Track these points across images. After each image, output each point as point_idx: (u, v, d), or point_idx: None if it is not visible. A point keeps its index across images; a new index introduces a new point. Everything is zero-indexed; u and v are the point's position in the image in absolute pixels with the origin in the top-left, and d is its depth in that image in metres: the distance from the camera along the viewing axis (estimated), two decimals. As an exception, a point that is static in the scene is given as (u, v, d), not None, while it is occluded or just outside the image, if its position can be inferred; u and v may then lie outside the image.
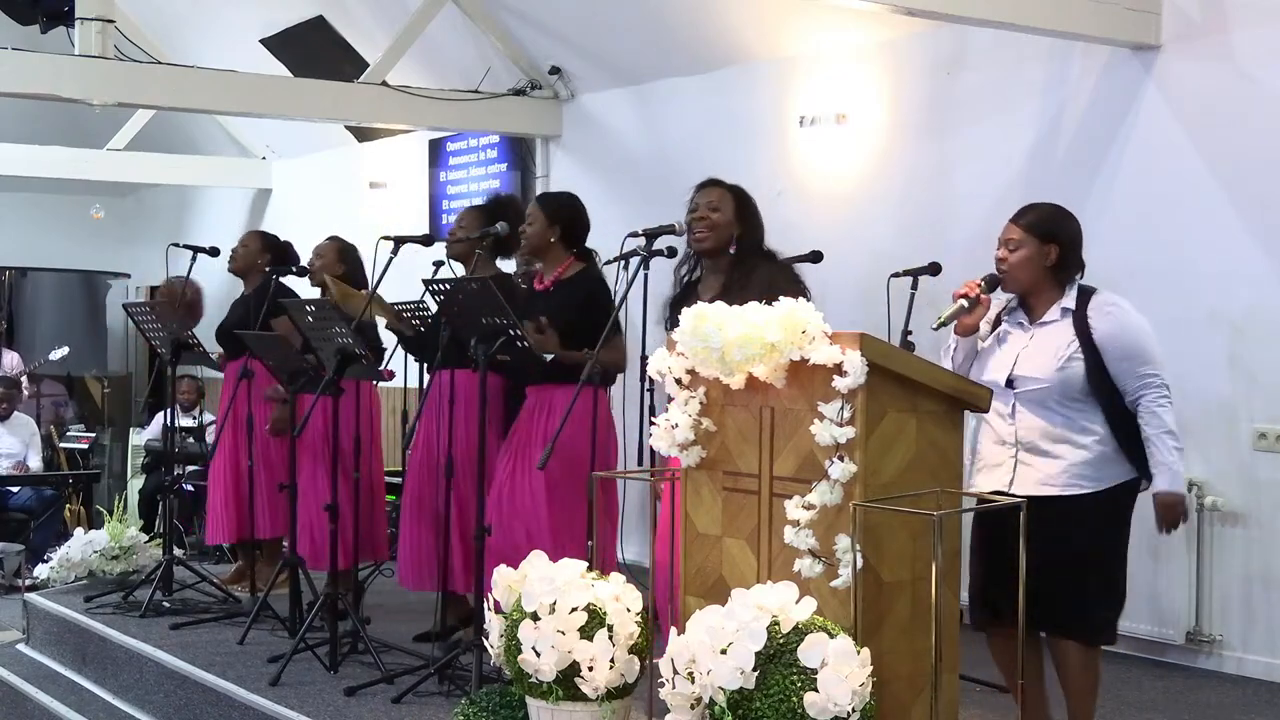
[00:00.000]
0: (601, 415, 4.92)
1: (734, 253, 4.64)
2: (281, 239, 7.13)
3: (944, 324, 4.18)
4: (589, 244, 5.29)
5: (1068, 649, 4.07)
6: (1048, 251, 4.05)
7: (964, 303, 4.12)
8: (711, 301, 4.36)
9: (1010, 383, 4.02)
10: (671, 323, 4.68)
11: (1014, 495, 3.90)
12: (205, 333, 7.03)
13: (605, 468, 5.00)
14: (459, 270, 5.63)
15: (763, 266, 4.57)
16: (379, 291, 5.78)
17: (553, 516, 5.02)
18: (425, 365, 5.82)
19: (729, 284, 4.55)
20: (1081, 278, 4.13)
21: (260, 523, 6.60)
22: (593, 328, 4.84)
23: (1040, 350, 4.02)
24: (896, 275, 4.83)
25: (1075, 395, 3.98)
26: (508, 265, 5.77)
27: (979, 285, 4.11)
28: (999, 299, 4.19)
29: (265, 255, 6.90)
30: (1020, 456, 4.02)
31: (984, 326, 4.21)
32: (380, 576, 6.30)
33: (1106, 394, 3.98)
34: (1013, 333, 4.12)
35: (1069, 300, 4.05)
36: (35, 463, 10.02)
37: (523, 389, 5.24)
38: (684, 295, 4.70)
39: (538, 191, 8.54)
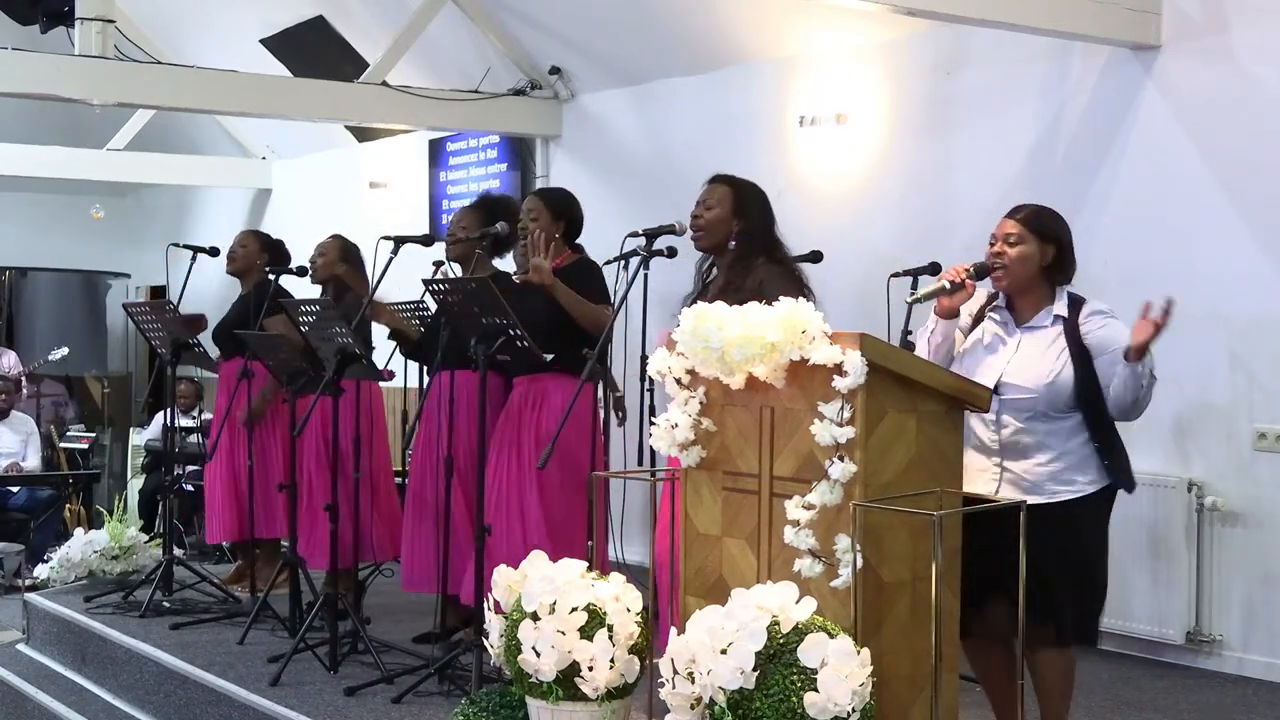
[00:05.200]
0: (595, 412, 4.94)
1: (733, 249, 4.64)
2: (274, 237, 7.15)
3: (918, 300, 4.15)
4: (579, 241, 5.35)
5: (1036, 648, 4.04)
6: (1045, 251, 3.99)
7: (945, 284, 4.07)
8: (715, 295, 4.38)
9: (997, 389, 3.94)
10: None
11: None
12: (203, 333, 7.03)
13: (597, 465, 5.02)
14: (458, 271, 5.64)
15: (759, 267, 4.55)
16: (381, 297, 5.79)
17: (545, 513, 5.03)
18: (425, 366, 5.83)
19: (727, 283, 4.55)
20: (1069, 284, 4.07)
21: (259, 522, 6.59)
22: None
23: (1030, 359, 3.96)
24: (896, 275, 4.82)
25: (1061, 407, 3.92)
26: (502, 263, 5.78)
27: (966, 271, 4.05)
28: (984, 291, 4.16)
29: (264, 255, 6.92)
30: (1005, 464, 3.97)
31: (965, 318, 4.14)
32: (380, 576, 6.30)
33: (1090, 403, 3.92)
34: (999, 335, 4.06)
35: (1060, 307, 3.98)
36: (34, 461, 10.00)
37: (511, 381, 5.26)
38: (702, 294, 4.70)
39: (537, 192, 8.55)
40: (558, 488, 5.04)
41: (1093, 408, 3.94)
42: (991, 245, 4.04)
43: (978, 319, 4.13)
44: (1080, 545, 3.95)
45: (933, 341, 4.10)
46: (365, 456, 5.70)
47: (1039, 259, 3.99)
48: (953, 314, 4.09)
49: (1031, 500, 3.84)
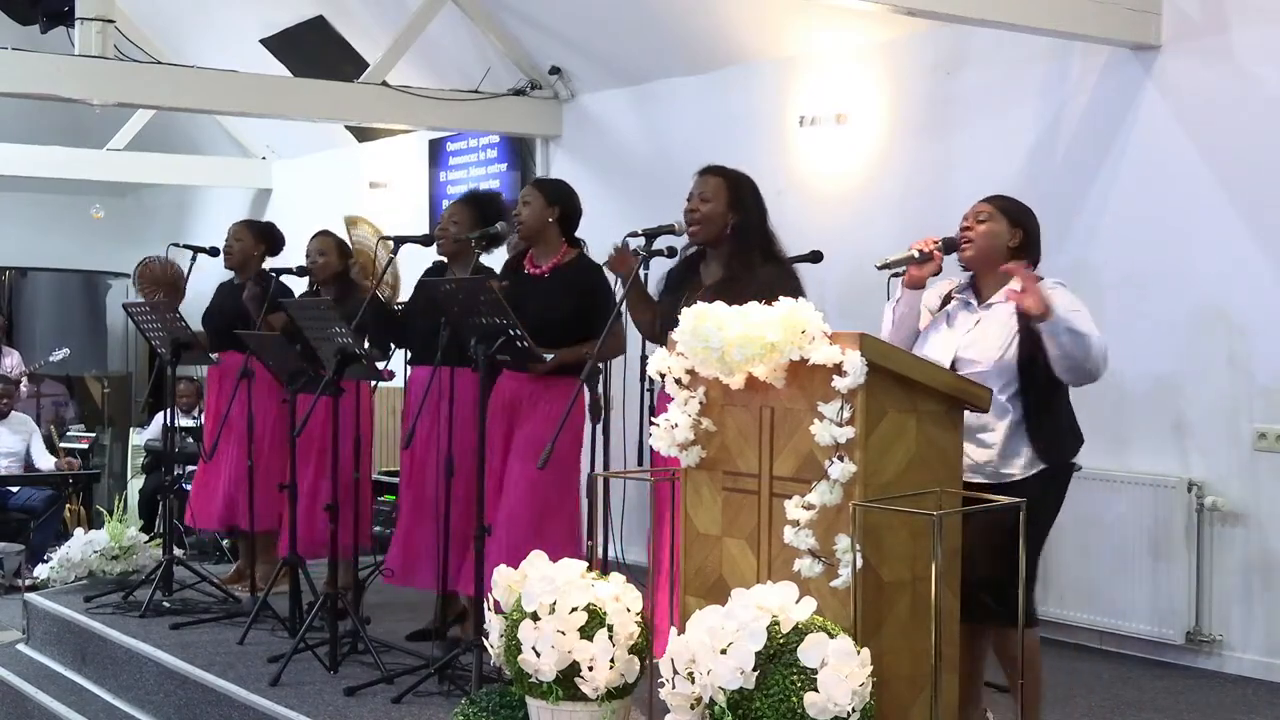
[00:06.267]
0: (579, 411, 4.96)
1: (730, 242, 4.63)
2: (265, 222, 7.15)
3: (887, 266, 4.23)
4: (579, 235, 5.35)
5: (1004, 633, 4.05)
6: (1014, 233, 4.14)
7: (915, 253, 4.18)
8: (712, 288, 4.39)
9: (953, 365, 4.01)
10: (665, 289, 4.72)
11: None
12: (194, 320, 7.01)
13: (575, 463, 5.06)
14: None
15: (765, 268, 4.55)
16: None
17: (529, 509, 5.04)
18: (405, 359, 5.83)
19: (728, 276, 4.55)
20: (1033, 267, 4.14)
21: (257, 516, 6.54)
22: (593, 316, 4.92)
23: (985, 334, 4.05)
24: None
25: (1008, 382, 3.98)
26: (491, 259, 5.79)
27: (936, 243, 4.18)
28: (951, 277, 4.23)
29: (260, 246, 6.92)
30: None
31: (934, 299, 4.24)
32: (380, 576, 6.29)
33: (1029, 378, 3.96)
34: (960, 314, 4.15)
35: (1016, 284, 4.03)
36: (45, 463, 9.94)
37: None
38: (683, 269, 4.71)
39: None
40: (541, 484, 5.05)
41: (1029, 387, 3.97)
42: (963, 222, 4.19)
43: (945, 301, 4.21)
44: (1003, 528, 3.82)
45: (897, 311, 4.21)
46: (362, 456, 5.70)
47: (1005, 239, 4.14)
48: (919, 285, 4.20)
49: (975, 480, 3.87)
